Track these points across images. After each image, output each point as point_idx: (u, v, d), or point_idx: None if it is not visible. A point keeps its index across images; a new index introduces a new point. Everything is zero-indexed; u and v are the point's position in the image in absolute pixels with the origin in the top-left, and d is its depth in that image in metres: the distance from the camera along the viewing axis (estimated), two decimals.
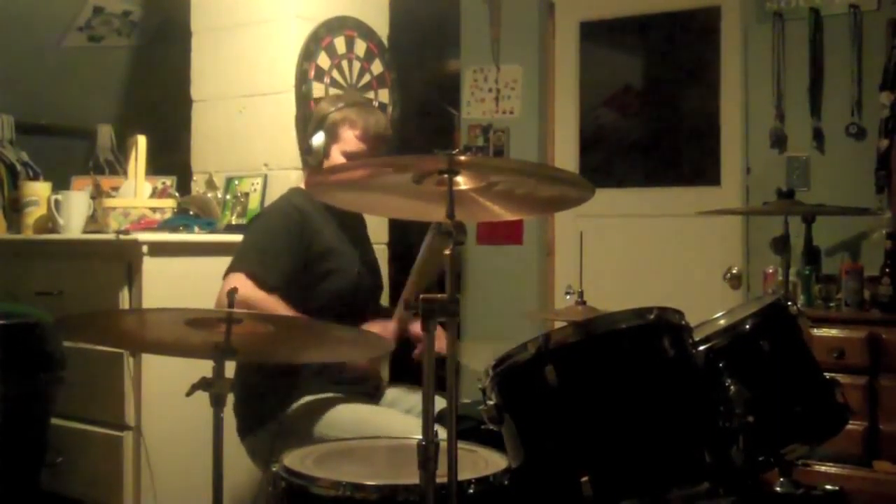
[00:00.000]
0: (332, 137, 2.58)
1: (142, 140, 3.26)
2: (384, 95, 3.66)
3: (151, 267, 2.95)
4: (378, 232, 3.46)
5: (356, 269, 2.61)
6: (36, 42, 4.22)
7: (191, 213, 3.29)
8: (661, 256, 4.31)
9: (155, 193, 3.33)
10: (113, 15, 4.41)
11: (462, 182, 1.72)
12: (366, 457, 2.03)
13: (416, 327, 2.55)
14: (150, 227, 3.15)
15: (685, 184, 4.39)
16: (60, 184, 3.40)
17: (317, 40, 3.44)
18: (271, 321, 1.93)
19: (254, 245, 2.50)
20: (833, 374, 2.32)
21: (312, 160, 2.61)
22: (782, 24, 3.99)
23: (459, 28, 4.78)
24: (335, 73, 3.49)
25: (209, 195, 3.45)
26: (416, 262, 2.36)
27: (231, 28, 3.55)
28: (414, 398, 2.60)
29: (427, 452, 1.58)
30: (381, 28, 3.70)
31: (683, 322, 1.97)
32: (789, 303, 2.34)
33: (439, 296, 1.59)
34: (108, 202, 3.18)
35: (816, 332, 3.26)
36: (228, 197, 3.45)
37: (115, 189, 3.34)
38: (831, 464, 3.26)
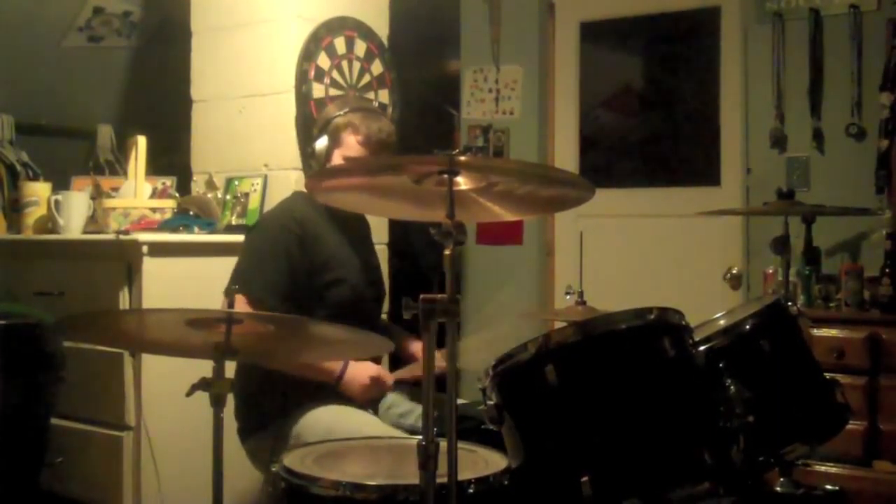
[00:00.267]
0: (335, 142, 2.58)
1: (142, 140, 3.27)
2: (384, 96, 3.67)
3: (151, 267, 2.95)
4: (378, 232, 3.45)
5: (359, 278, 2.60)
6: (36, 42, 4.22)
7: (191, 213, 3.29)
8: (661, 256, 4.31)
9: (155, 194, 3.33)
10: (113, 15, 4.41)
11: (462, 182, 1.72)
12: (366, 457, 2.03)
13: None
14: (150, 228, 3.15)
15: (685, 184, 4.38)
16: (60, 184, 3.40)
17: (317, 40, 3.44)
18: (271, 321, 1.93)
19: (252, 264, 2.49)
20: (833, 374, 2.33)
21: (315, 163, 2.61)
22: (782, 24, 3.99)
23: (459, 28, 4.78)
24: (335, 74, 3.49)
25: (209, 195, 3.45)
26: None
27: (231, 28, 3.56)
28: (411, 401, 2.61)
29: (427, 452, 1.58)
30: (381, 28, 3.71)
31: (683, 322, 1.97)
32: (789, 303, 2.34)
33: (439, 296, 1.59)
34: (108, 202, 3.18)
35: (816, 332, 3.26)
36: (228, 197, 3.45)
37: (115, 189, 3.34)
38: (831, 464, 3.26)
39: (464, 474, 1.72)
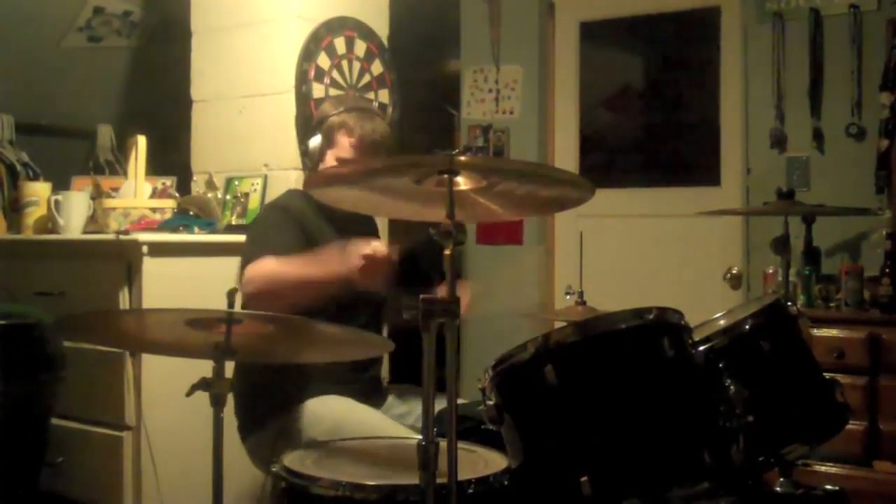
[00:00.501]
0: (328, 141, 2.58)
1: (142, 140, 3.26)
2: (384, 96, 3.67)
3: (151, 267, 2.95)
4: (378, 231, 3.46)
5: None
6: (36, 42, 4.22)
7: (191, 213, 3.29)
8: (661, 256, 4.31)
9: (155, 194, 3.33)
10: (113, 15, 4.41)
11: (462, 182, 1.72)
12: (366, 457, 2.03)
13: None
14: (150, 228, 3.15)
15: (685, 184, 4.39)
16: (60, 184, 3.40)
17: (317, 41, 3.44)
18: (271, 321, 1.93)
19: (265, 232, 2.50)
20: (833, 374, 2.32)
21: (308, 161, 2.61)
22: (782, 24, 3.99)
23: (459, 28, 4.78)
24: (335, 74, 3.49)
25: (209, 195, 3.45)
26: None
27: (231, 28, 3.56)
28: (416, 401, 2.60)
29: (427, 452, 1.58)
30: (381, 28, 3.70)
31: (683, 322, 1.97)
32: (789, 303, 2.34)
33: (439, 297, 1.59)
34: (108, 202, 3.18)
35: (816, 332, 3.26)
36: (228, 197, 3.45)
37: (115, 189, 3.34)
38: (831, 464, 3.26)
39: (464, 474, 1.72)
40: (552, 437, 1.84)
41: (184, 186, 3.54)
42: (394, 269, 2.36)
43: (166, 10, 4.26)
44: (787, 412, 2.12)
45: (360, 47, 3.59)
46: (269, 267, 2.32)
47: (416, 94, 4.25)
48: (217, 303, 2.37)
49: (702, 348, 2.03)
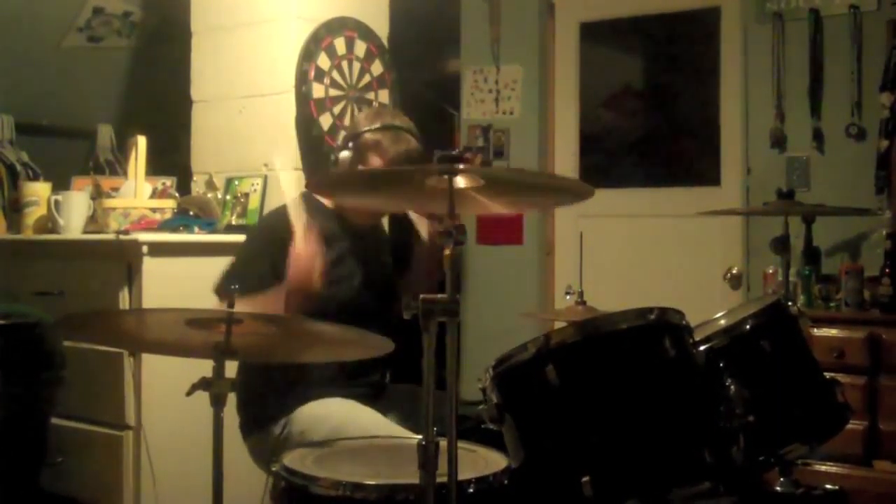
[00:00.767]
0: (359, 158, 2.55)
1: (142, 140, 3.26)
2: (384, 96, 3.67)
3: (151, 267, 2.95)
4: None
5: (357, 281, 2.59)
6: (36, 42, 4.22)
7: (191, 213, 3.29)
8: (661, 256, 4.31)
9: (155, 194, 3.33)
10: (113, 15, 4.41)
11: (462, 181, 1.72)
12: (366, 457, 2.03)
13: None
14: (150, 228, 3.15)
15: (685, 184, 4.39)
16: (60, 184, 3.40)
17: (317, 41, 3.44)
18: (272, 321, 1.93)
19: (237, 266, 2.49)
20: (833, 374, 2.33)
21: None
22: (782, 25, 3.99)
23: (459, 28, 4.78)
24: (335, 74, 3.49)
25: (209, 195, 3.45)
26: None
27: (231, 28, 3.56)
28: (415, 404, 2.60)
29: (427, 452, 1.58)
30: (381, 29, 3.70)
31: (684, 322, 1.97)
32: (789, 303, 2.34)
33: (439, 296, 1.59)
34: (108, 202, 3.18)
35: (816, 332, 3.26)
36: (228, 197, 3.45)
37: (115, 189, 3.34)
38: (831, 463, 3.26)
39: (464, 474, 1.72)
40: (553, 437, 1.84)
41: (184, 186, 3.54)
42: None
43: (166, 10, 4.26)
44: (787, 412, 2.13)
45: (360, 47, 3.59)
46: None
47: (416, 95, 4.25)
48: (217, 302, 2.38)
49: (702, 348, 2.03)
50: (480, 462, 1.90)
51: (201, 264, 3.00)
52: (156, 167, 3.43)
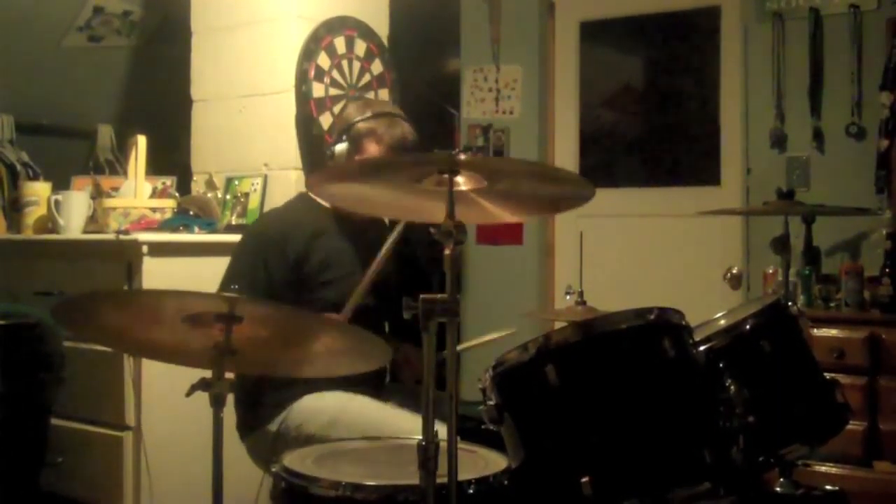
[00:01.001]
0: (356, 148, 2.56)
1: (142, 140, 3.26)
2: (384, 95, 3.67)
3: (151, 267, 2.95)
4: None
5: (356, 280, 2.59)
6: (36, 42, 4.22)
7: (191, 213, 3.29)
8: (661, 256, 4.31)
9: (155, 193, 3.33)
10: (113, 15, 4.41)
11: (462, 182, 1.72)
12: (366, 457, 2.03)
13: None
14: (150, 228, 3.15)
15: (685, 184, 4.39)
16: (60, 184, 3.40)
17: (317, 40, 3.44)
18: (275, 314, 1.92)
19: (231, 272, 2.50)
20: (833, 374, 2.33)
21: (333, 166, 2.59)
22: (782, 24, 3.99)
23: (459, 28, 4.78)
24: (335, 73, 3.49)
25: (209, 195, 3.45)
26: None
27: (231, 28, 3.56)
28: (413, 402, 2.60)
29: (427, 452, 1.58)
30: (381, 28, 3.70)
31: (683, 322, 1.97)
32: (789, 303, 2.34)
33: (439, 296, 1.59)
34: (108, 202, 3.18)
35: (816, 332, 3.26)
36: (228, 197, 3.45)
37: (115, 189, 3.34)
38: (831, 464, 3.26)
39: (464, 474, 1.72)
40: (552, 438, 1.84)
41: (184, 186, 3.54)
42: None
43: (166, 9, 4.26)
44: (787, 412, 2.13)
45: (360, 47, 3.59)
46: None
47: (416, 94, 4.24)
48: None
49: (702, 348, 2.03)
50: (480, 462, 1.90)
51: (201, 264, 3.01)
52: (156, 167, 3.43)
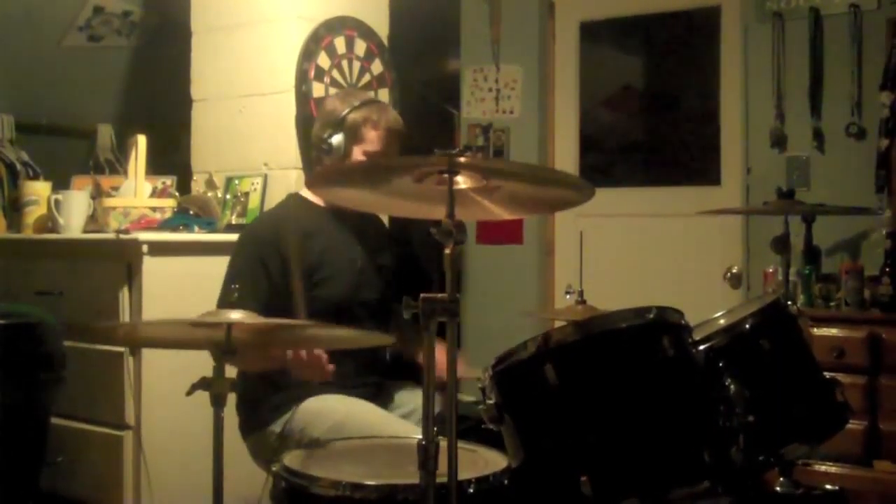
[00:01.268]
0: (354, 138, 2.56)
1: (142, 140, 3.26)
2: (384, 95, 3.66)
3: (151, 267, 2.95)
4: None
5: (353, 279, 2.58)
6: (36, 42, 4.22)
7: (191, 212, 3.29)
8: (661, 256, 4.31)
9: (155, 193, 3.33)
10: (113, 15, 4.41)
11: (462, 182, 1.72)
12: (366, 457, 2.03)
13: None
14: (150, 227, 3.15)
15: (685, 184, 4.39)
16: (60, 184, 3.40)
17: (317, 40, 3.44)
18: (274, 327, 1.93)
19: (229, 279, 2.50)
20: (833, 374, 2.32)
21: (329, 160, 2.59)
22: (782, 24, 3.99)
23: (459, 28, 4.78)
24: (335, 73, 3.49)
25: (209, 195, 3.45)
26: None
27: (231, 28, 3.56)
28: (416, 400, 2.60)
29: (427, 452, 1.58)
30: (381, 28, 3.70)
31: (683, 322, 1.97)
32: (789, 302, 2.34)
33: (439, 296, 1.59)
34: (108, 202, 3.18)
35: (816, 331, 3.26)
36: (228, 197, 3.45)
37: (115, 189, 3.34)
38: (831, 463, 3.26)
39: (464, 474, 1.72)
40: (552, 437, 1.84)
41: (184, 186, 3.54)
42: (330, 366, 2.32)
43: (166, 10, 4.26)
44: (786, 412, 2.13)
45: (360, 47, 3.59)
46: None
47: (416, 94, 4.25)
48: (216, 303, 2.38)
49: (702, 348, 2.03)
50: (480, 462, 1.90)
51: (201, 263, 3.01)
52: (156, 166, 3.42)
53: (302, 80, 3.39)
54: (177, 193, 3.39)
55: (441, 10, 4.77)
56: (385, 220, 3.53)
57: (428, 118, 4.81)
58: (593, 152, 4.66)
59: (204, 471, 1.85)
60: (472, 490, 1.75)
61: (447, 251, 1.61)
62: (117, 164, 4.29)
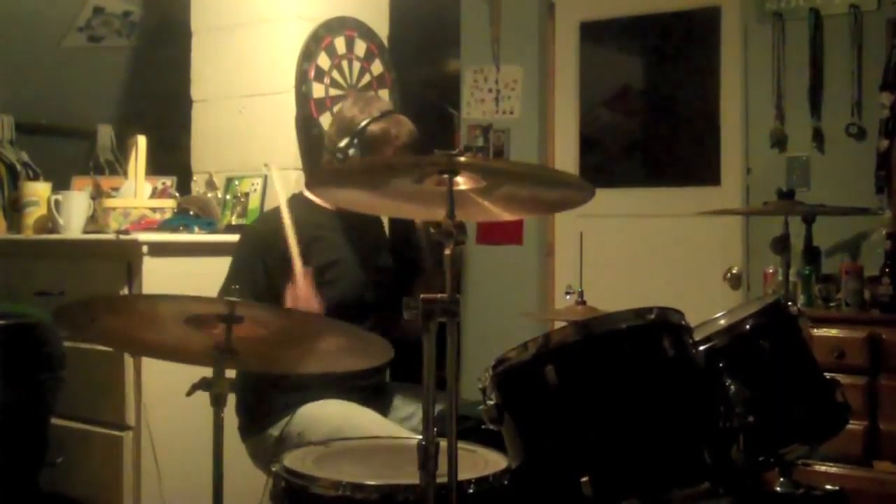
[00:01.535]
0: (371, 150, 2.55)
1: (142, 140, 3.26)
2: (384, 95, 3.66)
3: (151, 267, 2.95)
4: None
5: (355, 280, 2.59)
6: (36, 42, 4.22)
7: (191, 213, 3.29)
8: (661, 256, 4.31)
9: (155, 193, 3.33)
10: (113, 15, 4.41)
11: (462, 183, 1.72)
12: (366, 457, 2.03)
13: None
14: (150, 228, 3.15)
15: (685, 184, 4.39)
16: (60, 184, 3.40)
17: (317, 40, 3.44)
18: (273, 316, 1.92)
19: (230, 277, 2.50)
20: (833, 374, 2.32)
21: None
22: (782, 24, 3.99)
23: (459, 28, 4.78)
24: (335, 74, 3.49)
25: (209, 195, 3.45)
26: None
27: (231, 28, 3.56)
28: (415, 403, 2.60)
29: (427, 452, 1.58)
30: (381, 28, 3.70)
31: (683, 322, 1.97)
32: (789, 303, 2.34)
33: (439, 296, 1.59)
34: (109, 202, 3.18)
35: (816, 332, 3.26)
36: (228, 197, 3.45)
37: (116, 189, 3.34)
38: (831, 464, 3.26)
39: (464, 474, 1.72)
40: (552, 437, 1.84)
41: (184, 186, 3.54)
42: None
43: (166, 10, 4.26)
44: (787, 412, 2.12)
45: (360, 47, 3.59)
46: None
47: (416, 94, 4.25)
48: None
49: (702, 348, 2.03)
50: (480, 462, 1.90)
51: (201, 264, 3.01)
52: (156, 167, 3.42)
53: (302, 80, 3.39)
54: (177, 194, 3.39)
55: (441, 10, 4.77)
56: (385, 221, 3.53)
57: (428, 119, 4.81)
58: (593, 152, 4.66)
59: (204, 471, 1.86)
60: (472, 490, 1.75)
61: (447, 251, 1.61)
62: (117, 165, 4.29)
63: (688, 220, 4.02)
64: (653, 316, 1.91)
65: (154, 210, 3.23)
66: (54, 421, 2.88)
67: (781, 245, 2.80)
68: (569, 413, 1.82)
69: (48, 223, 3.27)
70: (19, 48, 4.12)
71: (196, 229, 3.19)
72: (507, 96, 4.65)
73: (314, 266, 2.50)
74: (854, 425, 2.94)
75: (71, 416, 2.99)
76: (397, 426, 2.44)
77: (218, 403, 1.81)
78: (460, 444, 1.70)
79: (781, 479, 2.50)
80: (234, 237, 2.88)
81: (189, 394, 1.81)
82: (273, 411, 2.47)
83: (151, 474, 2.86)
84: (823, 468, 3.25)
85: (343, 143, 2.56)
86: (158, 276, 2.96)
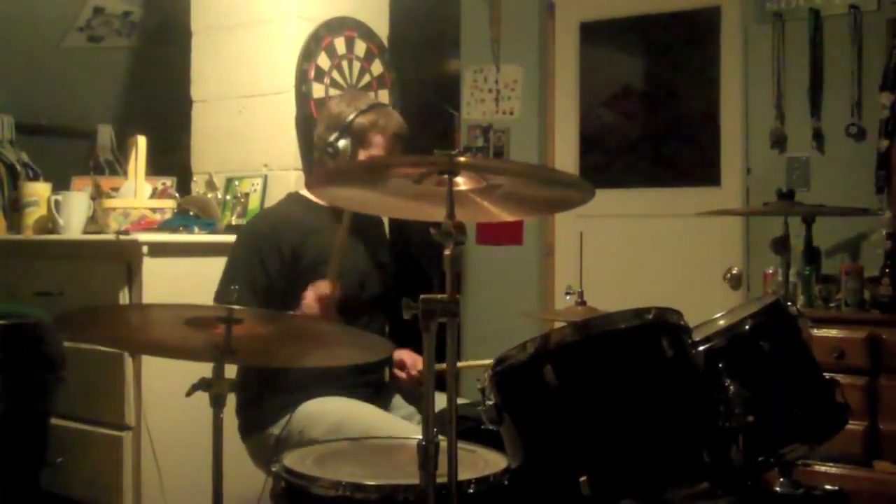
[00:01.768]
0: (361, 143, 2.56)
1: (142, 140, 3.26)
2: (384, 96, 3.66)
3: (151, 267, 2.95)
4: None
5: (351, 278, 2.59)
6: (36, 42, 4.22)
7: (191, 213, 3.29)
8: (661, 256, 4.31)
9: (155, 194, 3.33)
10: (113, 15, 4.41)
11: (462, 183, 1.72)
12: (366, 457, 2.03)
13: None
14: (150, 228, 3.15)
15: (685, 184, 4.38)
16: (60, 184, 3.40)
17: (317, 40, 3.44)
18: (271, 321, 1.93)
19: (228, 275, 2.50)
20: (833, 374, 2.32)
21: (334, 164, 2.59)
22: (782, 25, 3.99)
23: (459, 28, 4.78)
24: (335, 74, 3.49)
25: (209, 196, 3.45)
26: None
27: (231, 28, 3.56)
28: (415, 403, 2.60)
29: (427, 452, 1.58)
30: (381, 28, 3.70)
31: (682, 322, 1.97)
32: (789, 303, 2.34)
33: (439, 296, 1.59)
34: (108, 203, 3.18)
35: (816, 332, 3.26)
36: (228, 197, 3.45)
37: (115, 189, 3.34)
38: (831, 464, 3.26)
39: (464, 474, 1.72)
40: (552, 437, 1.84)
41: (184, 186, 3.54)
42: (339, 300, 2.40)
43: (166, 10, 4.26)
44: (786, 412, 2.12)
45: (360, 47, 3.59)
46: None
47: (416, 95, 4.24)
48: None
49: (702, 348, 2.03)
50: (480, 462, 1.90)
51: (201, 264, 3.01)
52: (156, 167, 3.42)
53: (302, 80, 3.39)
54: (177, 194, 3.39)
55: (441, 11, 4.77)
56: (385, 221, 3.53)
57: (428, 118, 4.81)
58: (593, 152, 4.66)
59: (204, 471, 1.86)
60: (472, 490, 1.75)
61: (447, 251, 1.61)
62: (117, 165, 4.29)
63: (688, 220, 4.02)
64: (651, 316, 1.91)
65: (154, 210, 3.23)
66: (54, 421, 2.88)
67: (781, 245, 2.80)
68: (568, 413, 1.82)
69: (48, 223, 3.27)
70: (19, 48, 4.13)
71: (196, 230, 3.19)
72: (506, 96, 4.65)
73: (309, 261, 2.50)
74: (854, 425, 2.94)
75: (71, 416, 2.99)
76: (398, 420, 2.45)
77: (218, 404, 1.82)
78: (460, 444, 1.70)
79: (781, 479, 2.50)
80: (234, 237, 2.89)
81: (189, 394, 1.81)
82: (273, 410, 2.47)
83: (151, 474, 2.86)
84: (823, 468, 3.25)
85: (332, 138, 2.56)
86: (158, 277, 2.96)
